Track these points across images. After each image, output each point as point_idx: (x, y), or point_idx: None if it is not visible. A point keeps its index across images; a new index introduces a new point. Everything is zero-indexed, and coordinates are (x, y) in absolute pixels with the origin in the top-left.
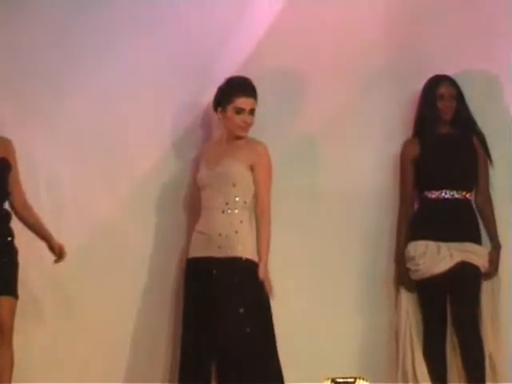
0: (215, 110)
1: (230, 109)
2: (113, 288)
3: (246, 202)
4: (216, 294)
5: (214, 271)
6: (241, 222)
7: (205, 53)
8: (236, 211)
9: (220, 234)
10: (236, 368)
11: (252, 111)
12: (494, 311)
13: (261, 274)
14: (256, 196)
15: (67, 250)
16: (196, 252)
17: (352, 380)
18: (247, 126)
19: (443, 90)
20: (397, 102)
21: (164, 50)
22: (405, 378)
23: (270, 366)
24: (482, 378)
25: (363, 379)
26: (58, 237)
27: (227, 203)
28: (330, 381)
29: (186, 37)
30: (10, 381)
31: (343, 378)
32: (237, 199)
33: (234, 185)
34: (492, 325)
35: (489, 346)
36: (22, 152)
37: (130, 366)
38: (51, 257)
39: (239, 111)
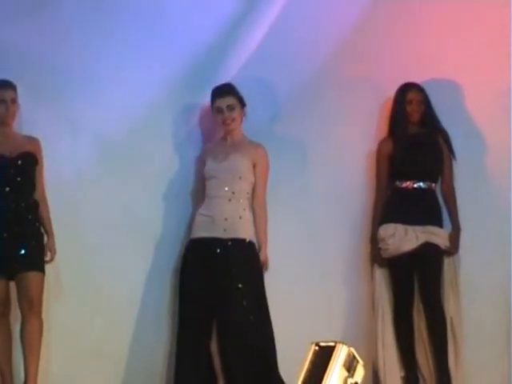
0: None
1: (214, 112)
2: (127, 265)
3: (247, 193)
4: (219, 269)
5: (218, 250)
6: (244, 209)
7: (208, 62)
8: (240, 200)
9: (226, 219)
10: (235, 337)
11: (229, 107)
12: (455, 283)
13: (263, 255)
14: (255, 189)
15: (92, 232)
16: (200, 233)
17: (333, 344)
18: (229, 121)
19: (412, 95)
20: (373, 106)
21: (176, 63)
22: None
23: (264, 334)
24: (445, 338)
25: (343, 343)
26: (82, 223)
27: (233, 192)
28: (314, 345)
29: (194, 51)
30: (39, 346)
31: (326, 343)
32: (242, 190)
33: (240, 177)
34: (452, 294)
35: (449, 311)
36: (48, 150)
37: (138, 331)
38: (70, 240)
39: (219, 111)
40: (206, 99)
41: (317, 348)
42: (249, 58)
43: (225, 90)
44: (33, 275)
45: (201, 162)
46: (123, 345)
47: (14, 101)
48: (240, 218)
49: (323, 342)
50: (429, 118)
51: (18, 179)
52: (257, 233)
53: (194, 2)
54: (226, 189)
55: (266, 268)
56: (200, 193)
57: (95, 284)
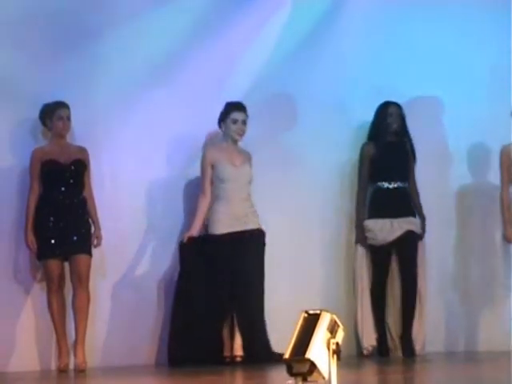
0: (219, 124)
1: (228, 121)
2: (143, 247)
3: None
4: (245, 255)
5: (243, 240)
6: (252, 206)
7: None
8: (251, 200)
9: (246, 215)
10: (251, 314)
11: (243, 122)
12: (422, 261)
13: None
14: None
15: (121, 220)
16: (224, 228)
17: (319, 312)
18: (241, 132)
19: (392, 109)
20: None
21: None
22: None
23: (262, 306)
24: (414, 305)
25: (327, 311)
26: (116, 213)
27: (248, 194)
28: (304, 312)
29: (209, 73)
30: (87, 315)
31: (313, 311)
32: (250, 191)
33: (250, 182)
34: (421, 270)
35: (419, 284)
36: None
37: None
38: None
39: (235, 122)
40: None
41: (306, 315)
42: (250, 83)
43: (242, 106)
44: (82, 257)
45: (209, 167)
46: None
47: (69, 118)
48: (252, 213)
49: (311, 310)
50: (402, 130)
51: (71, 181)
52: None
53: None
54: (243, 190)
55: None
56: (207, 191)
57: (131, 265)
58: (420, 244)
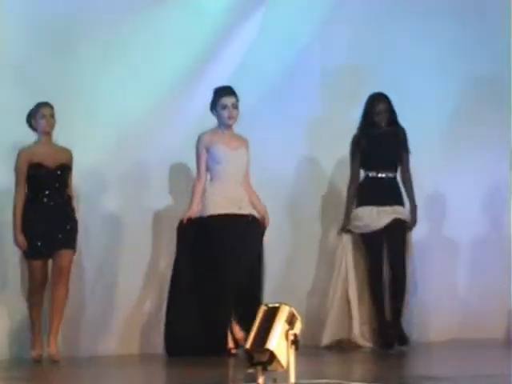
0: (212, 113)
1: (218, 108)
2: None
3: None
4: (243, 238)
5: (240, 223)
6: (245, 189)
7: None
8: (243, 183)
9: (241, 200)
10: (252, 296)
11: (233, 105)
12: (408, 248)
13: (267, 223)
14: (246, 173)
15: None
16: (219, 209)
17: (278, 305)
18: (233, 117)
19: (379, 107)
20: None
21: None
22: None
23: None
24: (404, 290)
25: (286, 304)
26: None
27: (241, 177)
28: (264, 305)
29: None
30: (63, 309)
31: (272, 304)
32: (243, 175)
33: (245, 166)
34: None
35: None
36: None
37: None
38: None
39: (224, 107)
40: None
41: (265, 308)
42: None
43: (230, 91)
44: (66, 252)
45: (204, 151)
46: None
47: (52, 116)
48: (245, 197)
49: (271, 303)
50: (392, 120)
51: (57, 185)
52: (255, 206)
53: None
54: (237, 173)
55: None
56: (203, 174)
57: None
58: (409, 232)
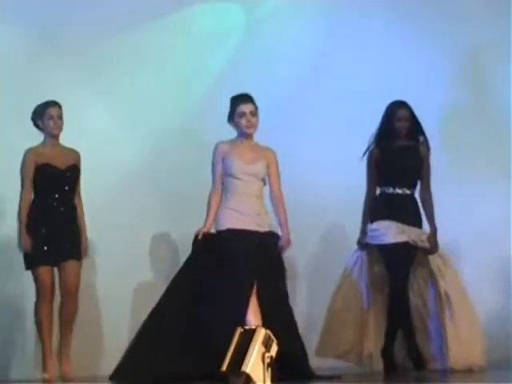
0: (230, 123)
1: (236, 116)
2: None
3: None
4: (261, 255)
5: (256, 240)
6: (264, 205)
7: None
8: (262, 198)
9: (259, 214)
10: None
11: (252, 113)
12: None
13: (287, 244)
14: (273, 187)
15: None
16: (235, 225)
17: (254, 327)
18: (251, 125)
19: (401, 113)
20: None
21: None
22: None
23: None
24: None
25: (261, 327)
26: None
27: (260, 192)
28: (240, 328)
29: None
30: (73, 326)
31: (249, 327)
32: (262, 189)
33: (263, 179)
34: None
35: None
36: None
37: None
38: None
39: (242, 115)
40: None
41: (242, 330)
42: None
43: (248, 98)
44: (73, 263)
45: (220, 161)
46: None
47: (60, 117)
48: (265, 213)
49: (247, 326)
50: (414, 132)
51: (66, 188)
52: (281, 223)
53: None
54: (255, 187)
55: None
56: (218, 185)
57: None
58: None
